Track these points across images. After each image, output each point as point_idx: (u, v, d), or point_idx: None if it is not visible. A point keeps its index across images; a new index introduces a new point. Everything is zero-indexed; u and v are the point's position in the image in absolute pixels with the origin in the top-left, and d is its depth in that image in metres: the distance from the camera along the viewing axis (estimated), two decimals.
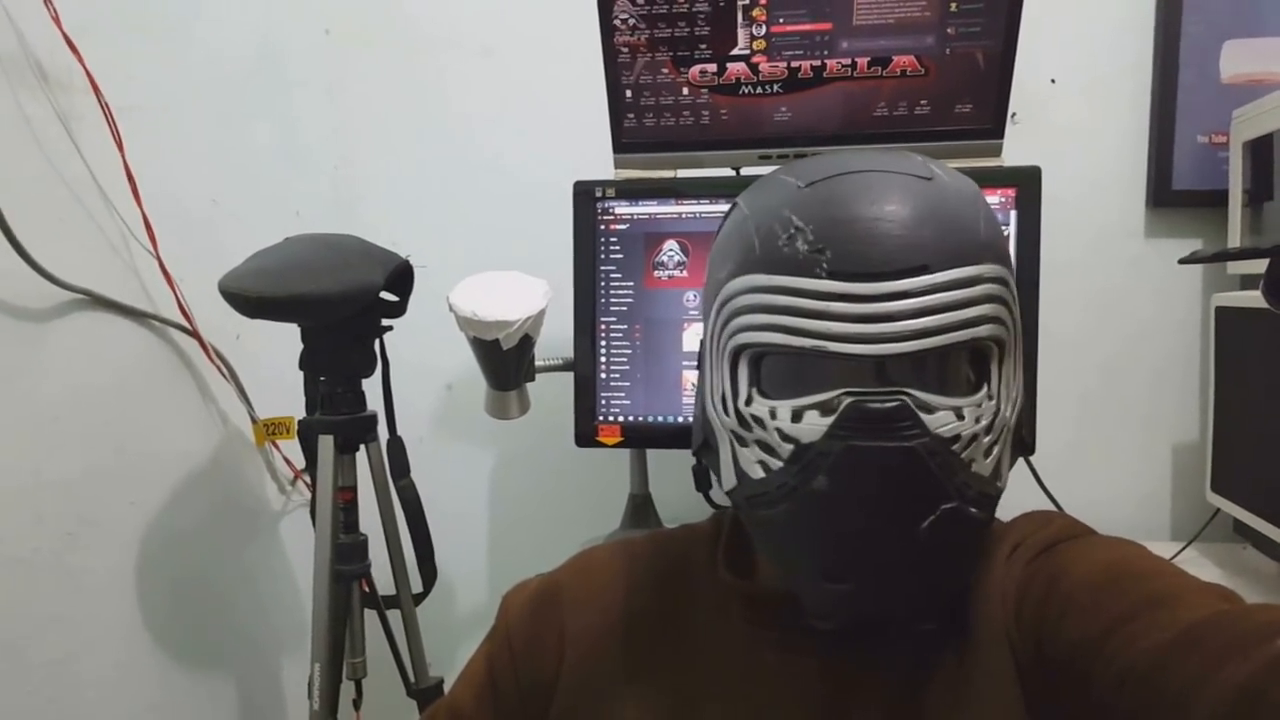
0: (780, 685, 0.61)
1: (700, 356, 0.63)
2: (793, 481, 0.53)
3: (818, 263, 0.52)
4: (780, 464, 0.54)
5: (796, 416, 0.53)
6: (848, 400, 0.51)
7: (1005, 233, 1.02)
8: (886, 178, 0.54)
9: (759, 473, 0.55)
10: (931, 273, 0.51)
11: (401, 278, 1.13)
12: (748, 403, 0.56)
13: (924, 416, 0.51)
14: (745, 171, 1.15)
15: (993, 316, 0.53)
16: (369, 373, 1.15)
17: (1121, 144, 1.32)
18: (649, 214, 1.12)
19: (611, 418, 1.13)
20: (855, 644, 0.57)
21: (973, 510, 0.53)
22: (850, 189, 0.54)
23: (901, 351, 0.51)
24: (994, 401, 0.54)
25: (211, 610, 1.33)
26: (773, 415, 0.54)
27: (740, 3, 1.05)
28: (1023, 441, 0.59)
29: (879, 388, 0.52)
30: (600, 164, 1.15)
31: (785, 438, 0.53)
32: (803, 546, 0.55)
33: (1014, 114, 1.20)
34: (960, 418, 0.52)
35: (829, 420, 0.52)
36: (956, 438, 0.52)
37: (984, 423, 0.53)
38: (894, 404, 0.51)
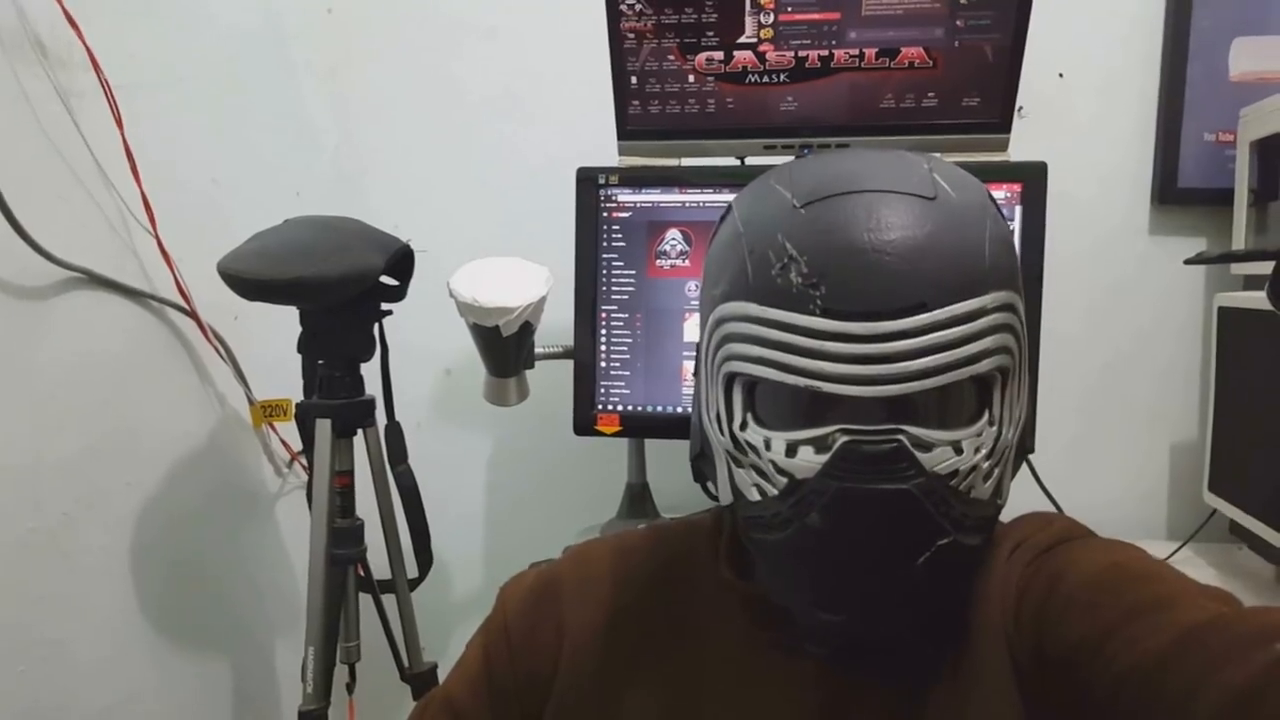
0: (779, 684, 0.61)
1: (696, 362, 0.62)
2: (787, 513, 0.52)
3: (812, 299, 0.50)
4: (775, 492, 0.53)
5: (791, 451, 0.52)
6: (843, 439, 0.50)
7: (1011, 228, 1.02)
8: (885, 199, 0.52)
9: (755, 495, 0.54)
10: (930, 309, 0.49)
11: (402, 262, 1.12)
12: (742, 427, 0.55)
13: (921, 455, 0.50)
14: (750, 161, 1.14)
15: (996, 348, 0.52)
16: (368, 357, 1.15)
17: (1128, 140, 1.31)
18: (652, 202, 1.12)
19: (610, 406, 1.13)
20: (852, 661, 0.57)
21: (971, 539, 0.52)
22: (847, 214, 0.51)
23: (899, 393, 0.50)
24: (995, 427, 0.53)
25: (207, 592, 1.33)
26: (767, 445, 0.53)
27: None
28: (1024, 448, 0.59)
29: (875, 425, 0.50)
30: (604, 150, 1.15)
31: (780, 470, 0.52)
32: (797, 575, 0.55)
33: (1021, 108, 1.19)
34: (959, 451, 0.51)
35: (824, 458, 0.51)
36: (954, 473, 0.51)
37: (984, 451, 0.52)
38: (890, 445, 0.49)
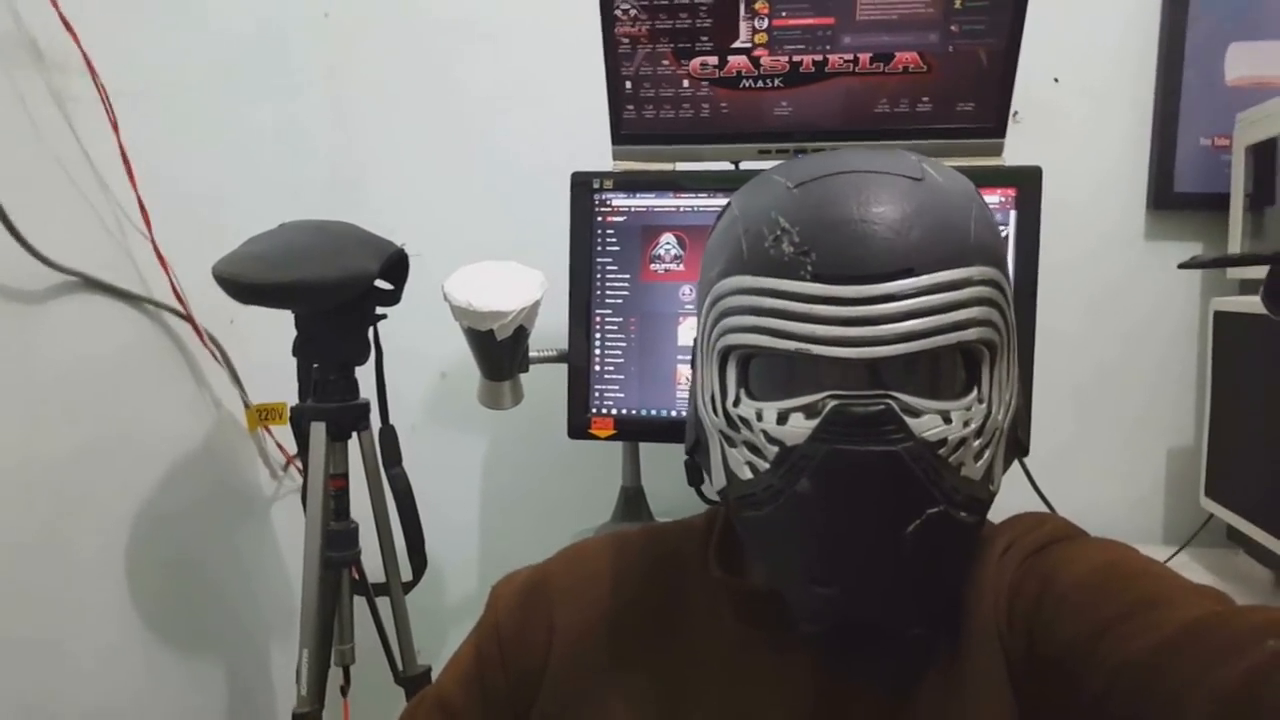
0: (771, 683, 0.61)
1: (693, 355, 0.63)
2: (778, 484, 0.53)
3: (803, 265, 0.52)
4: (767, 466, 0.54)
5: (782, 419, 0.53)
6: (832, 403, 0.51)
7: (1004, 233, 1.03)
8: (875, 178, 0.54)
9: (747, 474, 0.55)
10: (918, 275, 0.51)
11: (397, 266, 1.12)
12: (735, 403, 0.56)
13: (909, 420, 0.51)
14: (744, 166, 1.15)
15: (982, 319, 0.53)
16: (362, 360, 1.15)
17: (1123, 145, 1.31)
18: (647, 206, 1.12)
19: (605, 410, 1.13)
20: (846, 646, 0.56)
21: (961, 514, 0.52)
22: (838, 190, 0.53)
23: (887, 355, 0.51)
24: (984, 405, 0.54)
25: (201, 595, 1.33)
26: (759, 417, 0.54)
27: None
28: (1018, 443, 0.59)
29: (865, 390, 0.52)
30: (599, 155, 1.15)
31: (771, 440, 0.53)
32: (789, 549, 0.55)
33: (1016, 113, 1.19)
34: (947, 421, 0.52)
35: (814, 423, 0.52)
36: (943, 441, 0.52)
37: (973, 426, 0.53)
38: (878, 407, 0.50)
